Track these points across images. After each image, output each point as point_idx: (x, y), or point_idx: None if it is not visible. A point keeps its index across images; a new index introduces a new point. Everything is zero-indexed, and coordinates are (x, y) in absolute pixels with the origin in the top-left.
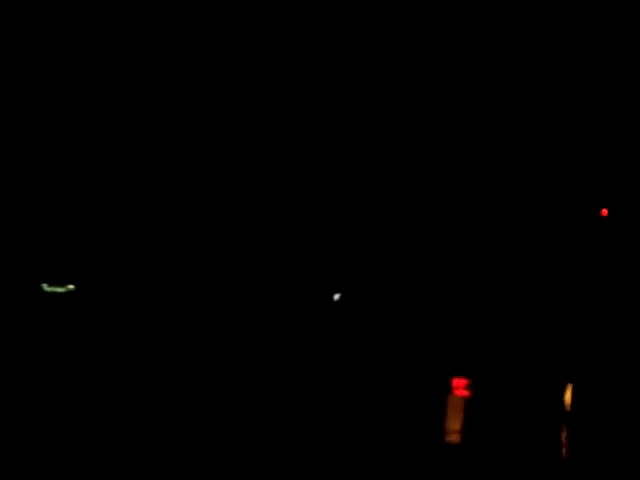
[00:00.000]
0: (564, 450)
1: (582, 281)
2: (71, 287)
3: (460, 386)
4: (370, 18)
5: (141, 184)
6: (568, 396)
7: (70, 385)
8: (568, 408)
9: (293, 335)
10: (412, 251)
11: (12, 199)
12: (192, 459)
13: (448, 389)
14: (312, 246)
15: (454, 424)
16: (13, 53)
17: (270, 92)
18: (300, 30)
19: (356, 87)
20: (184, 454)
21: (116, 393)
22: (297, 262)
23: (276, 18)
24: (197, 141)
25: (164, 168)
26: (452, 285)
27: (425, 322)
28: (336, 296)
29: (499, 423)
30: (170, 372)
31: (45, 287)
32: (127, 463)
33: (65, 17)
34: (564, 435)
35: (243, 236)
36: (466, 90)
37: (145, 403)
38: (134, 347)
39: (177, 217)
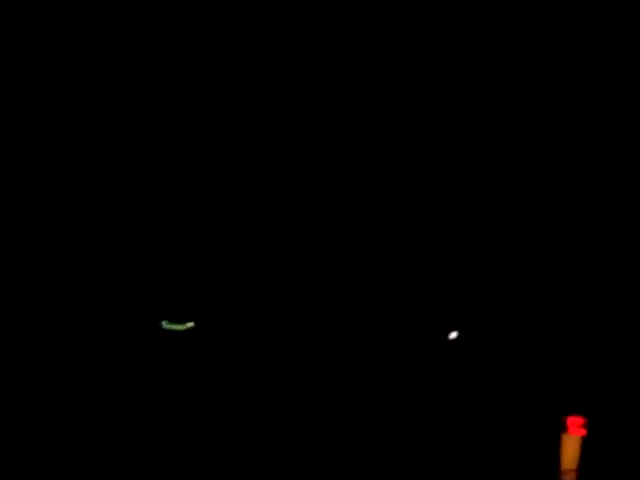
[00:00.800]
0: None
1: None
2: (190, 325)
3: (576, 425)
4: (370, 18)
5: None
6: None
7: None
8: None
9: (410, 370)
10: (521, 290)
11: (128, 239)
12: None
13: (563, 428)
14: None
15: (570, 463)
16: (13, 53)
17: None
18: (300, 30)
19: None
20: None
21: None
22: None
23: (276, 18)
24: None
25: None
26: (568, 324)
27: (539, 360)
28: (453, 334)
29: (616, 462)
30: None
31: (164, 324)
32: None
33: (65, 17)
34: None
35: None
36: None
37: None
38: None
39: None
